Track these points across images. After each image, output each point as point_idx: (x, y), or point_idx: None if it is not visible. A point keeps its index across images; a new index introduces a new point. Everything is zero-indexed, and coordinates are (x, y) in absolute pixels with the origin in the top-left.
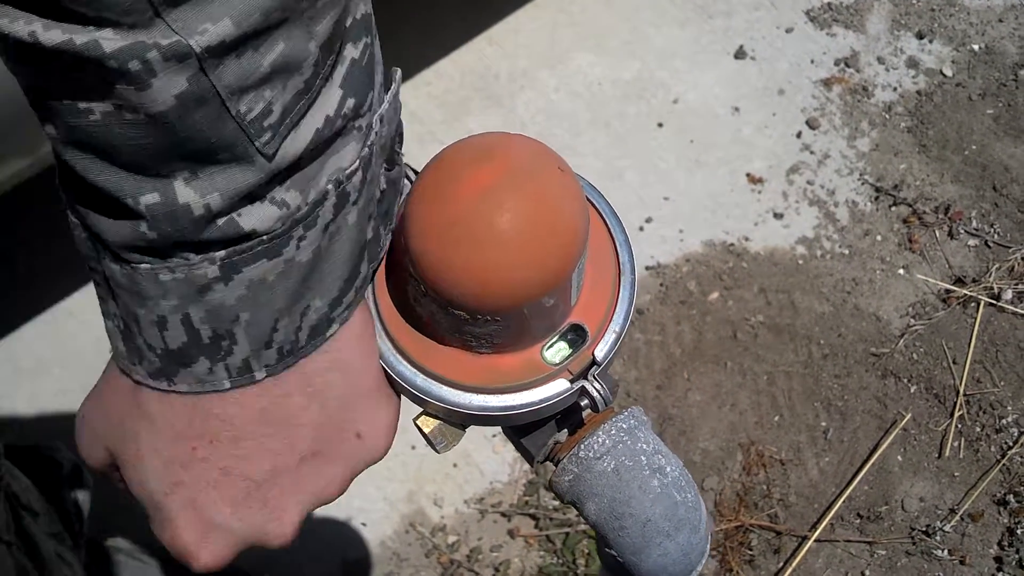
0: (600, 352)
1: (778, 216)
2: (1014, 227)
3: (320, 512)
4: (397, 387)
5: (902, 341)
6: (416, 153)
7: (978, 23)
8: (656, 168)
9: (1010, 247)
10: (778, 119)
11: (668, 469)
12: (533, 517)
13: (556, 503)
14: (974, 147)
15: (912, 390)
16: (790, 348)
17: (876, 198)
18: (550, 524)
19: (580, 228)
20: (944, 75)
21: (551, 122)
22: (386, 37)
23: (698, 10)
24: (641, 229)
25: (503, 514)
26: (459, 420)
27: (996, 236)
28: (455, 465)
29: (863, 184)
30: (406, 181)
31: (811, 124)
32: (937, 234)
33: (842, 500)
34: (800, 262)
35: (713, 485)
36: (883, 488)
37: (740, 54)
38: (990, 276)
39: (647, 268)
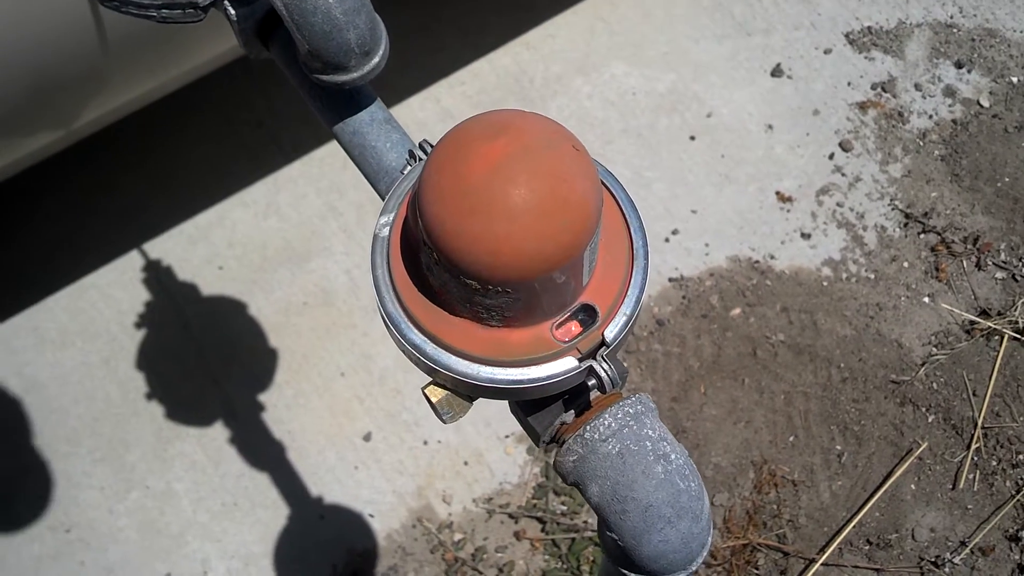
0: (610, 333)
1: (805, 236)
2: None
3: (329, 500)
4: (408, 355)
5: (923, 370)
6: None
7: (1018, 55)
8: (685, 181)
9: None
10: (811, 139)
11: (673, 456)
12: (540, 520)
13: (564, 507)
14: (1007, 179)
15: (930, 419)
16: (809, 369)
17: (905, 224)
18: (557, 528)
19: (593, 205)
20: (981, 105)
21: (582, 128)
22: (424, 36)
23: (737, 26)
24: (667, 241)
25: (511, 515)
26: (466, 391)
27: None
28: (466, 463)
29: (893, 209)
30: (422, 154)
31: (844, 146)
32: (964, 264)
33: (852, 525)
34: (825, 284)
35: (723, 501)
36: (894, 516)
37: (777, 72)
38: (1016, 310)
39: (670, 280)
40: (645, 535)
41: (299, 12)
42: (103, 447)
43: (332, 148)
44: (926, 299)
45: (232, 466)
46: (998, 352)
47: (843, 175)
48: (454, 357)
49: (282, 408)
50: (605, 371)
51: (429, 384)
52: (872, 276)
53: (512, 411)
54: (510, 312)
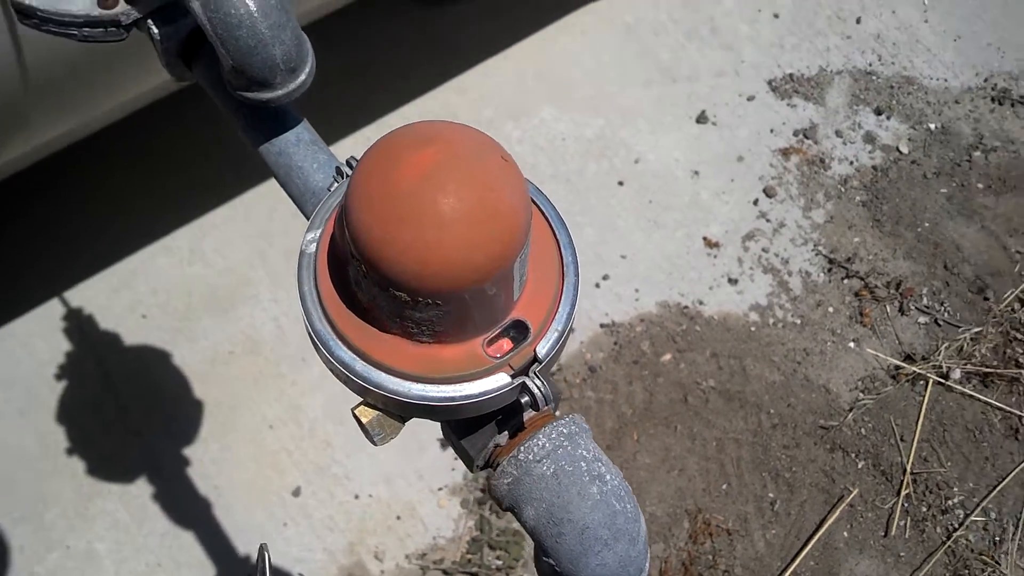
0: (542, 349)
1: (732, 281)
2: (964, 307)
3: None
4: (336, 373)
5: (851, 415)
6: None
7: (935, 103)
8: (614, 226)
9: (960, 327)
10: (736, 185)
11: (608, 477)
12: None
13: (500, 562)
14: (927, 224)
15: (860, 465)
16: (740, 415)
17: (829, 270)
18: None
19: (522, 215)
20: (900, 152)
21: None
22: (352, 79)
23: (663, 72)
24: (597, 286)
25: (445, 572)
26: (397, 410)
27: (946, 315)
28: (398, 517)
29: (817, 255)
30: (349, 171)
31: (768, 192)
32: (888, 309)
33: (787, 575)
34: (752, 329)
35: (659, 552)
36: (828, 565)
37: (702, 119)
38: (939, 355)
39: (601, 326)
40: (582, 558)
41: (223, 26)
42: (21, 505)
43: (260, 191)
44: (852, 344)
45: (156, 524)
46: (923, 397)
47: (768, 221)
48: (384, 374)
49: (208, 462)
50: (538, 387)
51: (359, 404)
52: (798, 321)
53: (444, 434)
54: (440, 326)
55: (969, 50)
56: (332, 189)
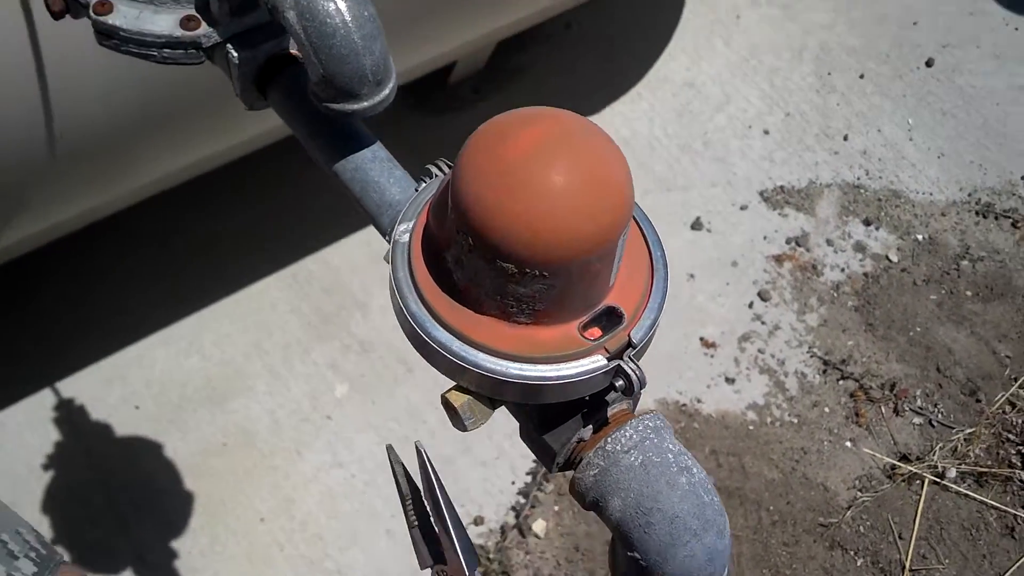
0: (636, 334)
1: (730, 381)
2: (957, 408)
3: None
4: (432, 355)
5: (849, 513)
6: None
7: (922, 215)
8: None
9: (953, 428)
10: (731, 289)
11: (695, 470)
12: None
13: None
14: (918, 329)
15: (859, 563)
16: (740, 512)
17: (824, 371)
18: None
19: (628, 190)
20: (890, 260)
21: None
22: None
23: (657, 182)
24: None
25: None
26: (493, 391)
27: (940, 416)
28: None
29: (812, 357)
30: (438, 172)
31: (763, 296)
32: (883, 410)
33: None
34: (751, 427)
35: None
36: None
37: (696, 225)
38: (934, 455)
39: None
40: (671, 549)
41: (318, 35)
42: None
43: (260, 287)
44: (848, 443)
45: None
46: (920, 496)
47: (763, 323)
48: (481, 354)
49: (196, 555)
50: (634, 370)
51: (451, 389)
52: (795, 420)
53: (523, 434)
54: (541, 304)
55: (952, 167)
56: (420, 189)
